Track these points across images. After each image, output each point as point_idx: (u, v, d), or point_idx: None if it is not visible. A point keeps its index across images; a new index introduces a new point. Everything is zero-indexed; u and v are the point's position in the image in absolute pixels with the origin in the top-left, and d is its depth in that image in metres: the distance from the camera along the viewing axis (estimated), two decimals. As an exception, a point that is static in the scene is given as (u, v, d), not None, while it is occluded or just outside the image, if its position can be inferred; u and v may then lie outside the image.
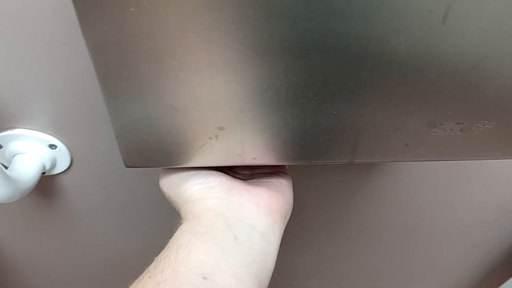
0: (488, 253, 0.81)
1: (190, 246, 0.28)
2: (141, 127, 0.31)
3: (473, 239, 0.77)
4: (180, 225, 0.32)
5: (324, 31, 0.25)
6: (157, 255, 0.29)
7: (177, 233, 0.31)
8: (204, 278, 0.26)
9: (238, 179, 0.36)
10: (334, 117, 0.30)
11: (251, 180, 0.38)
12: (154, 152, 0.33)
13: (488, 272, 0.87)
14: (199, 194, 0.34)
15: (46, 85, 0.48)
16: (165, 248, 0.30)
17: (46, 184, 0.61)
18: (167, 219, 0.64)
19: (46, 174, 0.59)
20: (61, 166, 0.58)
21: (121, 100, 0.29)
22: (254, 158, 0.34)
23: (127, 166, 0.34)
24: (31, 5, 0.40)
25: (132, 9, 0.25)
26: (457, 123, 0.31)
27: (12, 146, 0.54)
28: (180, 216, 0.35)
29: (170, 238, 0.31)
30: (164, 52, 0.27)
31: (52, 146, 0.55)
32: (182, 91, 0.29)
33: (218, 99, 0.29)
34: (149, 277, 0.27)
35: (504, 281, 0.85)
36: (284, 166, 0.41)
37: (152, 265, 0.28)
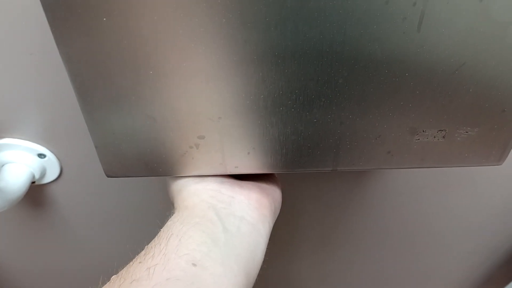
0: (488, 257, 0.80)
1: (181, 235, 0.29)
2: (119, 138, 0.31)
3: (473, 243, 0.77)
4: (172, 215, 0.32)
5: (298, 39, 0.25)
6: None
7: (169, 223, 0.31)
8: (194, 264, 0.27)
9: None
10: (314, 125, 0.30)
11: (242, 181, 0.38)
12: (134, 162, 0.32)
13: (488, 276, 0.86)
14: (193, 186, 0.34)
15: (34, 94, 0.47)
16: (156, 237, 0.30)
17: (35, 194, 0.61)
18: (157, 228, 0.64)
19: (35, 183, 0.58)
20: (50, 176, 0.58)
21: (98, 110, 0.29)
22: (236, 167, 0.33)
23: (108, 176, 0.34)
24: (16, 15, 0.40)
25: (104, 18, 0.24)
26: (439, 130, 0.31)
27: (1, 156, 0.54)
28: (173, 207, 0.35)
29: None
30: (139, 62, 0.26)
31: (41, 156, 0.55)
32: (159, 100, 0.29)
33: (196, 109, 0.29)
34: (139, 262, 0.27)
35: (504, 285, 0.84)
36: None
37: (143, 252, 0.29)
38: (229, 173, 0.34)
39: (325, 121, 0.30)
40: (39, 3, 0.38)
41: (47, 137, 0.53)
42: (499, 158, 0.33)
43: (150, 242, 0.30)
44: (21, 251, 0.72)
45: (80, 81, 0.27)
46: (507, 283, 0.84)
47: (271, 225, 0.36)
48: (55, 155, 0.55)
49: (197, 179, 0.35)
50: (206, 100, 0.29)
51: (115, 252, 0.66)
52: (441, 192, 0.64)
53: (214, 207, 0.32)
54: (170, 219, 0.32)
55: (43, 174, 0.57)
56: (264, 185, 0.37)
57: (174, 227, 0.30)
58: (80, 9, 0.24)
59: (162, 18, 0.25)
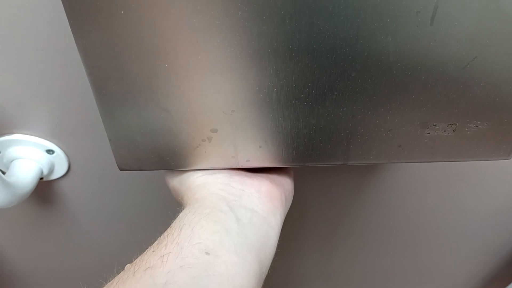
0: (492, 256, 0.80)
1: (193, 225, 0.29)
2: (133, 130, 0.31)
3: (479, 241, 0.77)
4: (183, 209, 0.33)
5: (312, 33, 0.26)
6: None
7: (180, 215, 0.31)
8: (207, 253, 0.27)
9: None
10: (326, 119, 0.30)
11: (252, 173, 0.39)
12: (147, 155, 0.33)
13: (492, 274, 0.86)
14: (202, 180, 0.35)
15: (44, 90, 0.48)
16: (168, 228, 0.30)
17: (44, 190, 0.61)
18: (166, 224, 0.64)
19: (44, 179, 0.59)
20: (59, 172, 0.58)
21: (113, 103, 0.29)
22: (247, 161, 0.34)
23: (121, 169, 0.34)
24: (27, 12, 0.40)
25: (121, 11, 0.25)
26: (450, 124, 0.31)
27: (10, 152, 0.54)
28: (181, 203, 0.35)
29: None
30: (155, 55, 0.27)
31: (50, 152, 0.55)
32: (174, 93, 0.29)
33: (210, 101, 0.30)
34: (153, 251, 0.27)
35: (508, 284, 0.84)
36: None
37: (156, 242, 0.29)
38: (240, 166, 0.34)
39: (337, 115, 0.30)
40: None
41: (55, 133, 0.54)
42: (509, 153, 0.33)
43: (160, 235, 0.30)
44: (29, 247, 0.72)
45: (96, 73, 0.28)
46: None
47: (283, 217, 0.36)
48: (63, 151, 0.56)
49: (206, 172, 0.35)
50: (220, 93, 0.29)
51: (123, 247, 0.67)
52: (448, 189, 0.64)
53: (225, 199, 0.32)
54: (181, 212, 0.32)
55: (51, 170, 0.58)
56: (274, 176, 0.37)
57: (186, 218, 0.30)
58: (98, 1, 0.24)
59: (179, 11, 0.25)
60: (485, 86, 0.29)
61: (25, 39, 0.43)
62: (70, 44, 0.42)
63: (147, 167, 0.34)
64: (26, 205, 0.64)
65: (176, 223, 0.30)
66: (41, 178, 0.58)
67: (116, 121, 0.30)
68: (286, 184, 0.38)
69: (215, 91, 0.29)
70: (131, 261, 0.28)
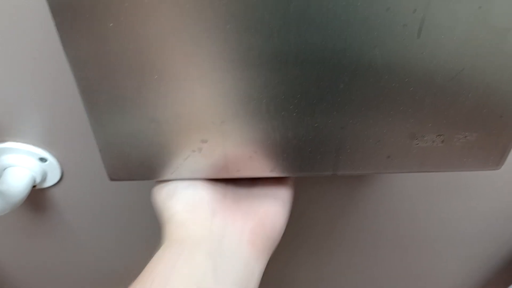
0: (485, 263, 0.80)
1: (167, 277, 0.28)
2: (124, 140, 0.31)
3: (470, 249, 0.77)
4: (161, 246, 0.32)
5: (300, 45, 0.26)
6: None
7: (155, 258, 0.30)
8: None
9: (230, 194, 0.36)
10: (315, 130, 0.31)
11: (251, 189, 0.37)
12: (138, 165, 0.33)
13: (486, 281, 0.86)
14: (182, 215, 0.33)
15: (36, 98, 0.48)
16: (143, 271, 0.29)
17: (36, 198, 0.61)
18: (157, 233, 0.64)
19: (37, 187, 0.58)
20: (51, 179, 0.58)
21: (103, 113, 0.29)
22: (238, 171, 0.34)
23: (112, 179, 0.34)
24: (19, 19, 0.41)
25: (111, 24, 0.25)
26: (438, 135, 0.31)
27: (3, 160, 0.54)
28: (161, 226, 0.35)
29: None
30: (144, 66, 0.27)
31: (43, 160, 0.55)
32: (164, 104, 0.29)
33: (200, 112, 0.30)
34: None
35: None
36: None
37: None
38: (231, 177, 0.34)
39: (326, 126, 0.30)
40: (41, 7, 0.39)
41: (48, 141, 0.53)
42: (498, 163, 0.34)
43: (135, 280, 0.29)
44: (22, 254, 0.72)
45: (85, 84, 0.28)
46: (506, 288, 0.84)
47: (267, 258, 0.34)
48: (56, 159, 0.56)
49: (186, 206, 0.33)
50: (210, 104, 0.29)
51: (116, 255, 0.67)
52: (438, 197, 0.65)
53: (203, 243, 0.31)
54: (158, 252, 0.31)
55: (44, 178, 0.57)
56: (269, 202, 0.36)
57: (159, 267, 0.29)
58: (88, 13, 0.25)
59: (168, 23, 0.25)
60: (473, 97, 0.29)
61: (18, 47, 0.43)
62: (62, 52, 0.43)
63: (137, 177, 0.34)
64: (19, 213, 0.64)
65: (149, 271, 0.29)
66: (34, 186, 0.58)
67: (106, 132, 0.30)
68: (278, 214, 0.36)
69: (204, 102, 0.29)
70: (124, 269, 0.28)
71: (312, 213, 0.68)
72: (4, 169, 0.55)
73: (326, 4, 0.24)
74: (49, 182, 0.59)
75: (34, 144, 0.54)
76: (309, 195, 0.64)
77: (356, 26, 0.25)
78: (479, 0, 0.25)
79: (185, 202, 0.34)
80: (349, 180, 0.62)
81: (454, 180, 0.62)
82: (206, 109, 0.30)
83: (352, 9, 0.25)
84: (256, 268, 0.32)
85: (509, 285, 0.82)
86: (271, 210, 0.36)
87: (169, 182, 0.35)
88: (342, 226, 0.70)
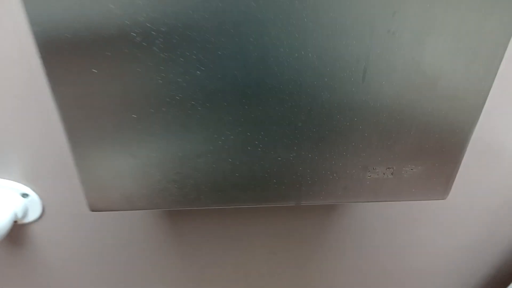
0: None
1: None
2: (104, 173, 0.34)
3: (442, 276, 0.80)
4: None
5: (262, 89, 0.30)
6: None
7: None
8: None
9: None
10: (279, 163, 0.34)
11: None
12: (117, 197, 0.35)
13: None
14: None
15: (19, 135, 0.51)
16: None
17: (18, 233, 0.62)
18: (142, 266, 0.66)
19: (18, 222, 0.60)
20: (33, 215, 0.60)
21: (85, 149, 0.32)
22: (211, 202, 0.37)
23: (92, 210, 0.36)
24: (3, 59, 0.44)
25: (94, 70, 0.28)
26: (388, 168, 0.35)
27: (-15, 195, 0.56)
28: None
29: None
30: (124, 107, 0.30)
31: (24, 195, 0.57)
32: (140, 140, 0.32)
33: (174, 148, 0.33)
34: None
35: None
36: None
37: None
38: (204, 207, 0.37)
39: (288, 160, 0.34)
40: (26, 48, 0.42)
41: (30, 177, 0.56)
42: (444, 193, 0.37)
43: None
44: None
45: (70, 122, 0.31)
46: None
47: None
48: (37, 194, 0.58)
49: None
50: (183, 141, 0.33)
51: (93, 290, 0.67)
52: (409, 226, 0.68)
53: None
54: None
55: (25, 213, 0.59)
56: None
57: None
58: (74, 60, 0.28)
59: (145, 70, 0.29)
60: (415, 134, 0.33)
61: (1, 86, 0.46)
62: (44, 92, 0.46)
63: (116, 207, 0.36)
64: (0, 248, 0.64)
65: None
66: (15, 221, 0.59)
67: (87, 165, 0.33)
68: None
69: (178, 139, 0.32)
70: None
71: (288, 247, 0.70)
72: (-13, 204, 0.56)
73: (282, 55, 0.28)
74: (30, 217, 0.60)
75: (16, 180, 0.56)
76: (284, 229, 0.66)
77: (309, 73, 0.29)
78: (412, 52, 0.29)
79: None
80: (321, 214, 0.65)
81: (423, 209, 0.65)
82: (180, 145, 0.33)
83: (305, 59, 0.29)
84: None
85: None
86: None
87: None
88: (317, 258, 0.73)
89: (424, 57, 0.29)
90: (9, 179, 0.56)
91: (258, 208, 0.61)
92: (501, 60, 0.30)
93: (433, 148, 0.34)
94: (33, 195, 0.58)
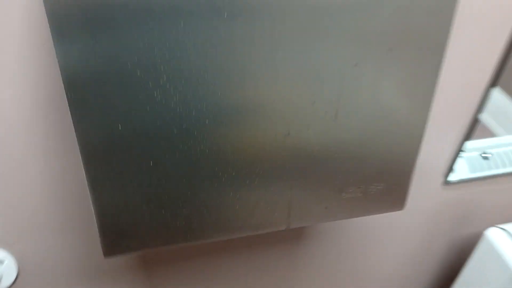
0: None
1: None
2: (120, 213, 0.38)
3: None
4: None
5: (255, 130, 0.36)
6: None
7: None
8: None
9: None
10: (271, 192, 0.40)
11: None
12: (131, 236, 0.39)
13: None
14: None
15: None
16: None
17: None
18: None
19: (-8, 290, 0.59)
20: (6, 281, 0.59)
21: (104, 193, 0.36)
22: (212, 233, 0.42)
23: (107, 256, 0.39)
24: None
25: (119, 127, 0.33)
26: (358, 187, 0.43)
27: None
28: None
29: None
30: (143, 156, 0.35)
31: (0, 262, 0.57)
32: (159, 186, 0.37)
33: (181, 187, 0.38)
34: None
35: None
36: None
37: None
38: (206, 241, 0.42)
39: (278, 188, 0.40)
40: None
41: (5, 241, 0.56)
42: (401, 205, 0.46)
43: None
44: None
45: (93, 169, 0.35)
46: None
47: None
48: (13, 258, 0.57)
49: None
50: (186, 183, 0.38)
51: None
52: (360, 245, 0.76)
53: None
54: None
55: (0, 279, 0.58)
56: None
57: None
58: (100, 112, 0.33)
59: (156, 125, 0.34)
60: (378, 160, 0.41)
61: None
62: (21, 150, 0.48)
63: (130, 248, 0.40)
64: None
65: None
66: (-10, 289, 0.58)
67: (104, 204, 0.37)
68: None
69: (183, 182, 0.38)
70: None
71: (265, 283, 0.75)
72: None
73: (267, 100, 0.35)
74: (4, 284, 0.59)
75: (-8, 245, 0.56)
76: (258, 268, 0.71)
77: (296, 115, 0.37)
78: (372, 91, 0.38)
79: None
80: (286, 246, 0.71)
81: (372, 228, 0.74)
82: (186, 186, 0.38)
83: (291, 104, 0.36)
84: None
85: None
86: None
87: None
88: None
89: (384, 98, 0.38)
90: (-16, 245, 0.55)
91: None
92: (432, 98, 0.39)
93: (392, 170, 0.43)
94: (9, 261, 0.57)
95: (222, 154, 0.37)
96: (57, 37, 0.28)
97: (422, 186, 0.69)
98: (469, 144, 0.66)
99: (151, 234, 0.40)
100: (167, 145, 0.35)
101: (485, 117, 0.63)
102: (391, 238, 0.76)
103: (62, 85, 0.31)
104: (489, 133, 0.69)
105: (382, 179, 0.43)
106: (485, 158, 0.70)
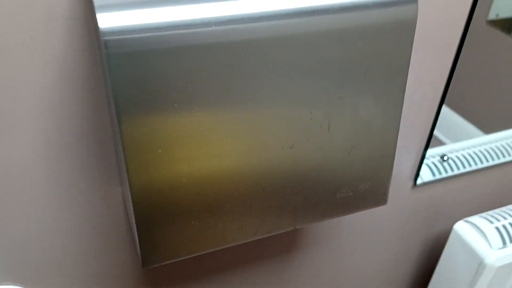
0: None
1: None
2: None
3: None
4: None
5: (261, 160, 0.44)
6: None
7: None
8: None
9: None
10: (280, 198, 0.48)
11: None
12: (166, 247, 0.45)
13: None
14: None
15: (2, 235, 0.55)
16: None
17: None
18: None
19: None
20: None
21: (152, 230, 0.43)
22: (233, 239, 0.49)
23: (145, 266, 0.45)
24: None
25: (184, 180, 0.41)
26: (349, 187, 0.51)
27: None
28: None
29: None
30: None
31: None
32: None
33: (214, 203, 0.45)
34: None
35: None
36: None
37: None
38: (229, 245, 0.49)
39: (285, 193, 0.48)
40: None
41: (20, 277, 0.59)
42: (384, 200, 0.55)
43: None
44: None
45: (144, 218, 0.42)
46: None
47: None
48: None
49: None
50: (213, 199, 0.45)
51: None
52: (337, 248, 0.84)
53: None
54: None
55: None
56: None
57: None
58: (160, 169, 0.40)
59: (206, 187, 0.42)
60: (362, 162, 0.50)
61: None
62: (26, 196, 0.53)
63: (172, 257, 0.46)
64: None
65: None
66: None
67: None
68: None
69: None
70: None
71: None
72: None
73: (274, 120, 0.44)
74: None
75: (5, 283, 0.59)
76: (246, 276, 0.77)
77: (298, 129, 0.45)
78: (354, 107, 0.47)
79: None
80: (273, 259, 0.78)
81: (352, 230, 0.82)
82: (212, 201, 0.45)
83: (293, 121, 0.44)
84: None
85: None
86: None
87: None
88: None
89: (369, 115, 0.47)
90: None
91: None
92: (401, 112, 0.49)
93: (375, 171, 0.52)
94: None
95: (240, 170, 0.45)
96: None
97: (395, 191, 0.79)
98: (429, 152, 0.78)
99: (182, 243, 0.46)
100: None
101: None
102: (370, 240, 0.85)
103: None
104: (439, 142, 0.81)
105: (367, 178, 0.52)
106: (445, 161, 0.81)
